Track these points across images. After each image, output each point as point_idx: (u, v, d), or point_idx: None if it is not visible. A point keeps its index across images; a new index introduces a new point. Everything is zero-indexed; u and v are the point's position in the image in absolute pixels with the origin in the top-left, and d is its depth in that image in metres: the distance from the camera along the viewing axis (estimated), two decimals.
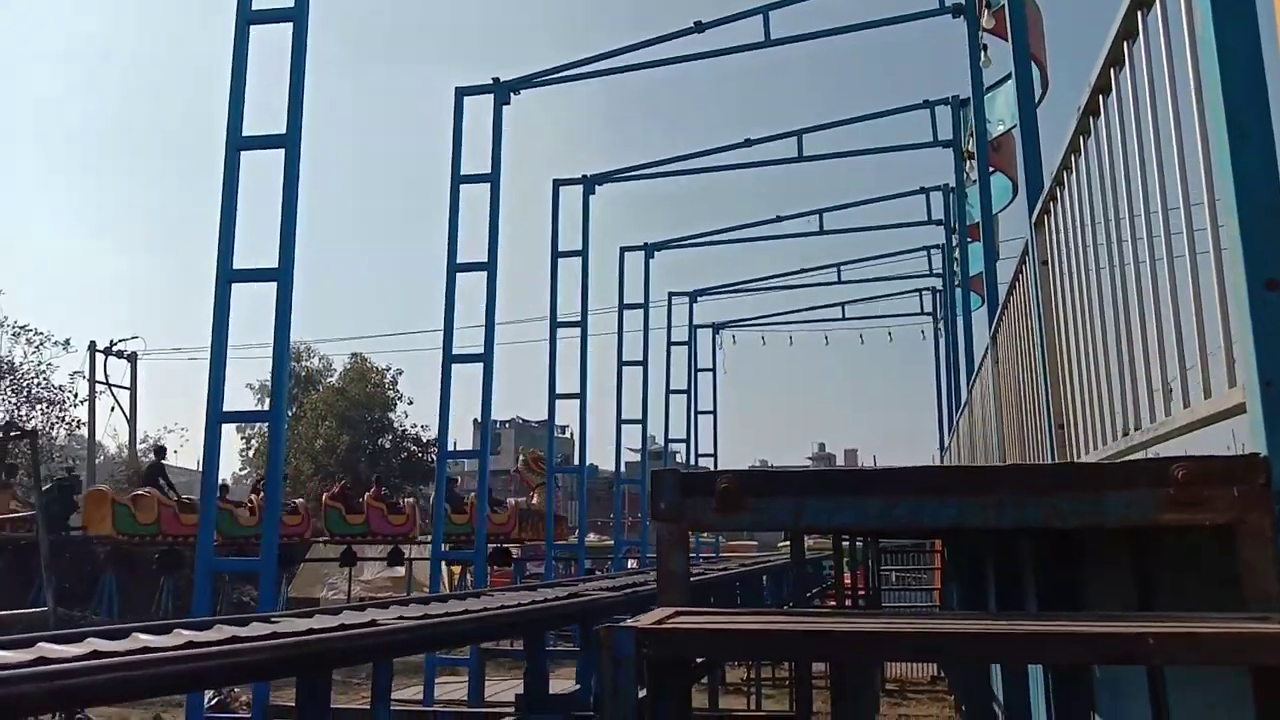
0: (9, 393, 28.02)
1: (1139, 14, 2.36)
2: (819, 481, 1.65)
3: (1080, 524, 1.61)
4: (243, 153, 6.33)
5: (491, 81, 10.01)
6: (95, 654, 1.86)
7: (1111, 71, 2.61)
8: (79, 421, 31.35)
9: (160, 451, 22.56)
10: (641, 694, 1.72)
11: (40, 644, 1.92)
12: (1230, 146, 1.80)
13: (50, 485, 20.82)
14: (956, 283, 12.95)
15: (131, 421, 34.90)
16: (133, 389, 34.74)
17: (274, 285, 6.04)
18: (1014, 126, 6.23)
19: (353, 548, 21.36)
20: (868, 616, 1.72)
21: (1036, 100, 6.85)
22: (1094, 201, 2.93)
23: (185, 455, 43.11)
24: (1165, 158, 2.24)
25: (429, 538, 19.61)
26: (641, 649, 1.48)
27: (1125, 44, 2.48)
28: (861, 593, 12.73)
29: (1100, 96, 2.76)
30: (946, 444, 14.34)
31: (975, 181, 9.09)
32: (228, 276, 6.11)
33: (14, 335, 28.36)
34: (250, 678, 2.54)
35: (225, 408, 6.15)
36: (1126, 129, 2.51)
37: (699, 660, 4.71)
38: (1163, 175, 2.27)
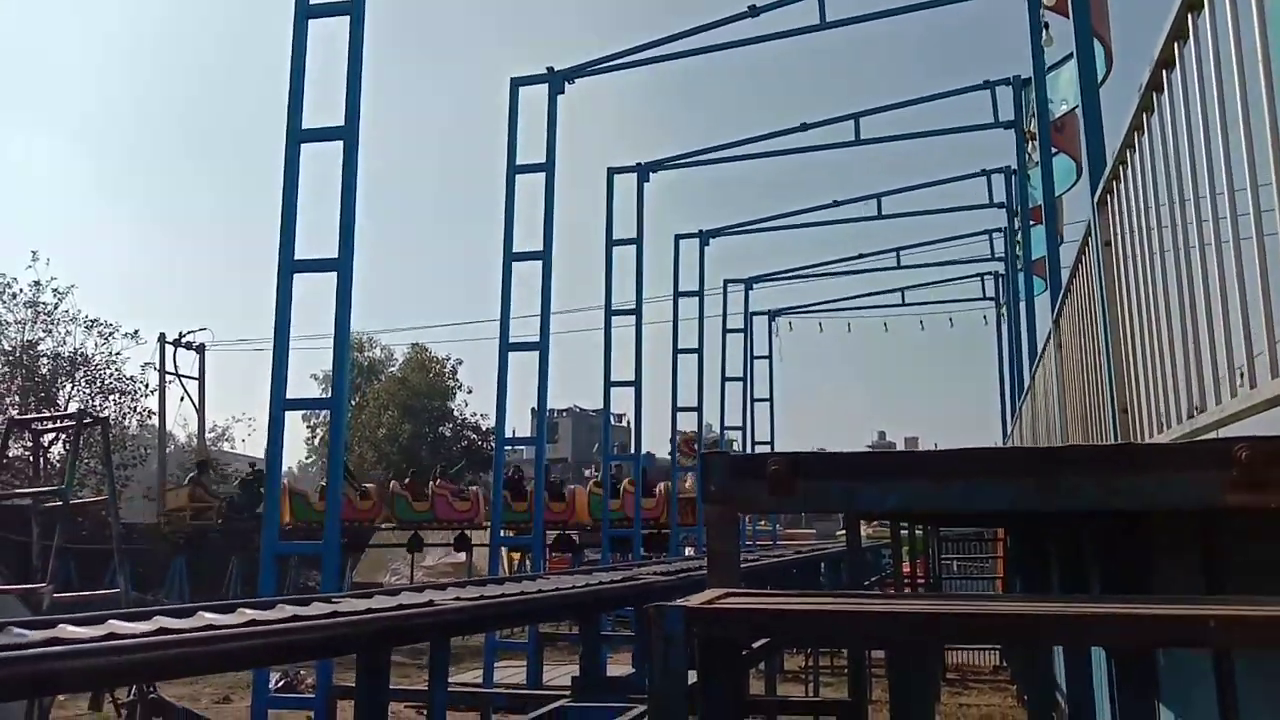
0: (83, 383, 28.90)
1: None
2: (870, 463, 1.64)
3: (1140, 506, 1.58)
4: (304, 145, 6.44)
5: (546, 71, 10.04)
6: (162, 631, 1.91)
7: (1175, 45, 2.54)
8: (150, 411, 32.22)
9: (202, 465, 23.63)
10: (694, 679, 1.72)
11: (111, 621, 1.99)
12: None
13: (240, 479, 22.09)
14: (1019, 267, 12.72)
15: (200, 411, 35.74)
16: (201, 379, 35.54)
17: (334, 275, 6.15)
18: (1076, 106, 6.09)
19: (419, 533, 21.84)
20: (919, 599, 1.71)
21: (1100, 79, 6.68)
22: (1158, 181, 2.86)
23: (253, 444, 44.13)
24: (1232, 133, 2.18)
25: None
26: (690, 628, 1.49)
27: (1190, 16, 2.42)
28: (922, 581, 12.63)
29: (1164, 71, 2.68)
30: (1009, 431, 14.11)
31: (1037, 163, 8.90)
32: (289, 267, 6.23)
33: (86, 328, 29.23)
34: (310, 655, 2.61)
35: (290, 396, 6.29)
36: (1191, 104, 2.44)
37: (754, 645, 4.71)
38: (1229, 152, 2.21)
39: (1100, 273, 3.79)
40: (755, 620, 1.54)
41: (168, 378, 34.23)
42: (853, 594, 2.29)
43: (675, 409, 15.19)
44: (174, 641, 1.82)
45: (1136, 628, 1.39)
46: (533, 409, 9.47)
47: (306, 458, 50.35)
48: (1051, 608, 1.43)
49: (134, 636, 1.79)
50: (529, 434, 22.29)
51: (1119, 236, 3.56)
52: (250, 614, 2.19)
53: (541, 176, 9.52)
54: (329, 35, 6.70)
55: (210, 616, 2.14)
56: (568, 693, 4.04)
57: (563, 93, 10.02)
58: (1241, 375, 2.19)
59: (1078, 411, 4.92)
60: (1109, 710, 3.55)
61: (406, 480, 22.72)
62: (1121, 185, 3.41)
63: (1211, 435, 2.44)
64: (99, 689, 8.91)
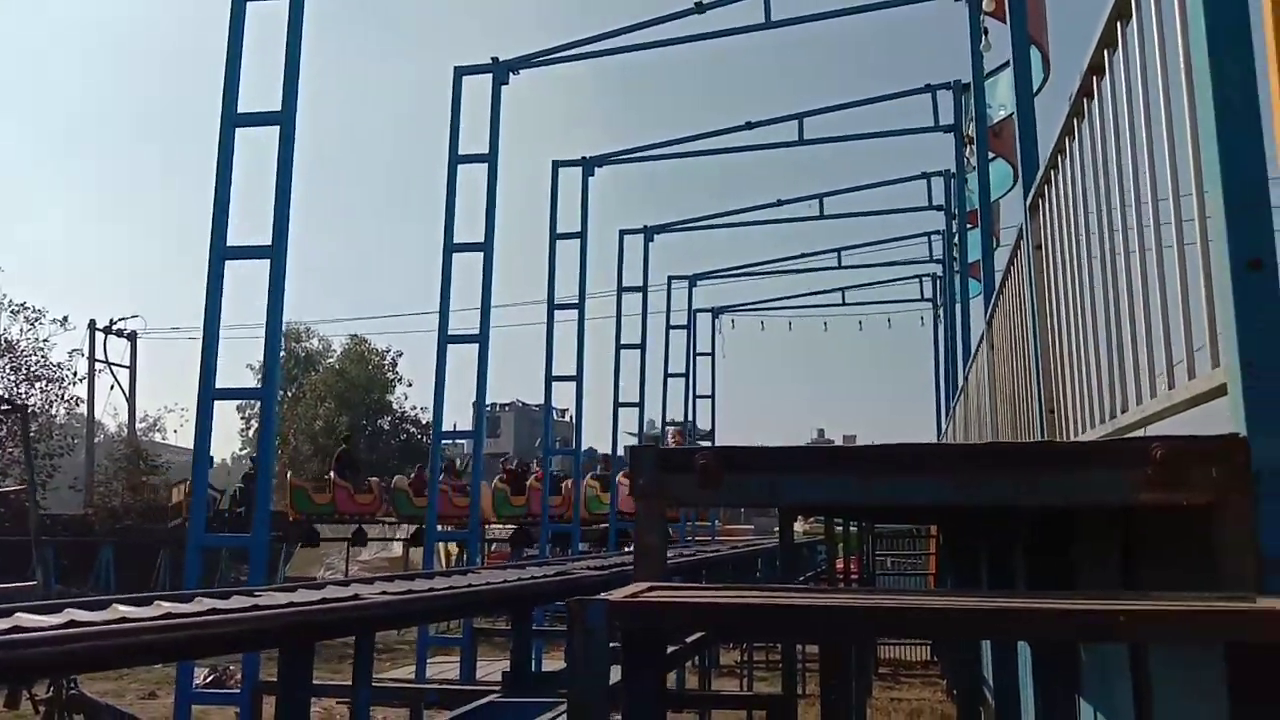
0: (7, 370, 28.03)
1: None
2: (796, 458, 1.64)
3: (1059, 503, 1.61)
4: (240, 130, 6.30)
5: (490, 61, 9.95)
6: (71, 624, 1.85)
7: (1105, 53, 2.59)
8: (78, 400, 31.39)
9: (347, 440, 23.20)
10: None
11: (18, 614, 1.92)
12: (1217, 127, 1.79)
13: (244, 473, 21.80)
14: (956, 269, 12.92)
15: (131, 400, 34.94)
16: (132, 368, 34.77)
17: (268, 263, 6.03)
18: (1014, 112, 6.20)
19: (364, 528, 21.73)
20: (845, 594, 1.72)
21: (1038, 85, 6.81)
22: (1086, 185, 2.91)
23: (185, 435, 43.18)
24: (1155, 140, 2.22)
25: (495, 520, 19.54)
26: (613, 622, 1.47)
27: (1119, 24, 2.46)
28: (855, 577, 12.80)
29: (1094, 78, 2.73)
30: (944, 430, 14.35)
31: (975, 167, 9.05)
32: (221, 254, 6.09)
33: (12, 313, 28.35)
34: (226, 649, 2.55)
35: (224, 386, 6.16)
36: (1119, 112, 2.49)
37: (687, 640, 4.72)
38: (1153, 158, 2.25)
39: (1031, 275, 3.86)
40: (678, 614, 1.54)
41: (98, 366, 33.40)
42: (781, 588, 2.30)
43: (617, 404, 15.19)
44: (82, 635, 1.76)
45: (1053, 623, 1.41)
46: (475, 403, 9.39)
47: (240, 449, 49.47)
48: (974, 603, 1.44)
49: (39, 630, 1.73)
50: (470, 428, 22.11)
51: (1049, 240, 3.62)
52: (166, 607, 2.13)
53: (485, 167, 9.44)
54: (271, 17, 6.56)
55: (124, 610, 2.08)
56: (499, 688, 4.01)
57: (507, 83, 9.93)
58: (1162, 377, 2.24)
59: (1008, 411, 5.01)
60: (1033, 702, 3.62)
61: (412, 476, 22.50)
62: (1053, 190, 3.48)
63: (1134, 435, 2.50)
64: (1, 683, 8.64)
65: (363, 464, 22.07)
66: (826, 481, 1.65)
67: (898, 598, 1.44)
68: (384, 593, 2.52)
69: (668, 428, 19.60)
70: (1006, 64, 8.02)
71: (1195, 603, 1.45)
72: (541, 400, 13.92)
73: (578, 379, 12.92)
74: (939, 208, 15.20)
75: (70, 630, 1.67)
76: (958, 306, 12.24)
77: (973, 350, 8.23)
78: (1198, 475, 1.65)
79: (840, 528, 10.65)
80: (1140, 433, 2.45)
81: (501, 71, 9.94)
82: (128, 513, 27.01)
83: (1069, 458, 1.62)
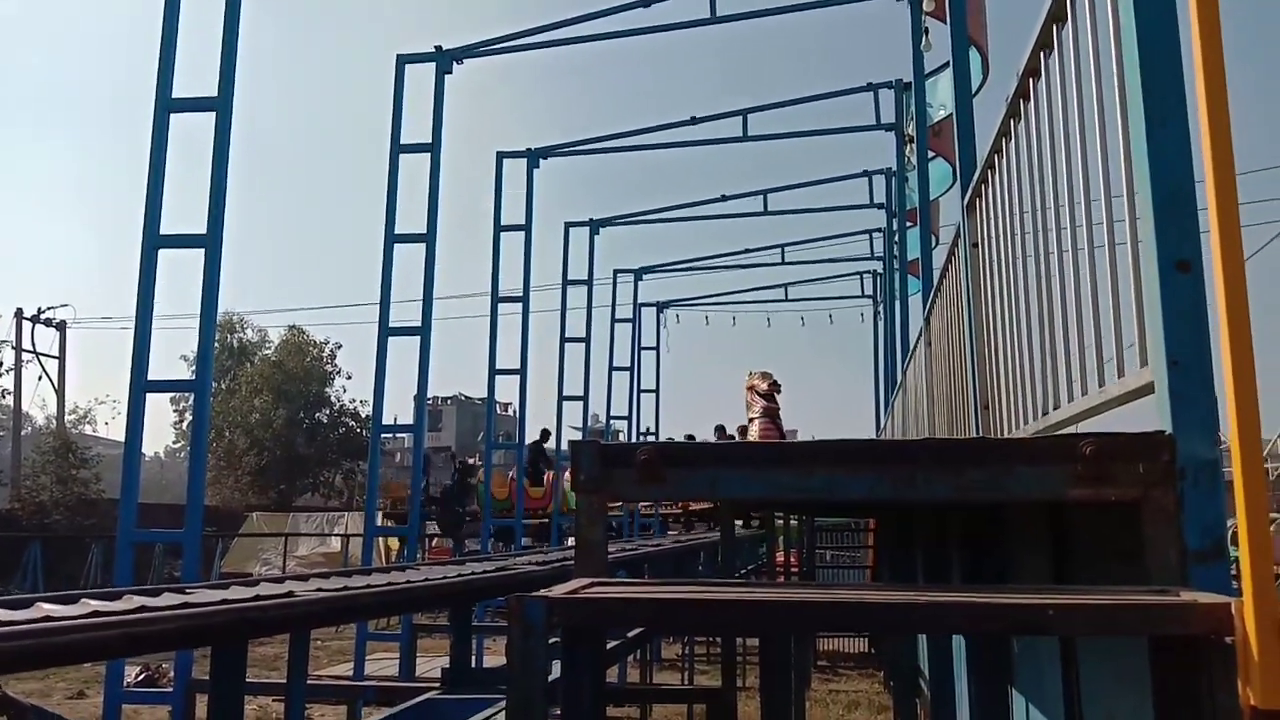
0: None
1: None
2: (735, 453, 1.65)
3: (990, 499, 1.64)
4: (175, 115, 6.15)
5: (433, 50, 9.84)
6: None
7: (1041, 55, 2.64)
8: (4, 391, 30.49)
9: (544, 434, 21.57)
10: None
11: None
12: (1147, 130, 1.83)
13: (455, 468, 20.97)
14: (895, 266, 13.10)
15: (60, 391, 34.02)
16: (61, 358, 33.85)
17: (202, 252, 5.90)
18: (954, 112, 6.29)
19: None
20: (780, 588, 1.73)
21: (978, 86, 6.92)
22: (1021, 186, 2.97)
23: (116, 427, 42.17)
24: (1088, 142, 2.27)
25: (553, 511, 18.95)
26: (552, 617, 1.47)
27: (1054, 27, 2.51)
28: (795, 570, 12.93)
29: (1030, 80, 2.78)
30: (882, 425, 14.55)
31: (915, 166, 9.17)
32: (154, 242, 5.95)
33: None
34: (157, 647, 2.49)
35: (157, 378, 6.02)
36: (1054, 114, 2.54)
37: (628, 635, 4.74)
38: (1085, 160, 2.30)
39: (967, 274, 3.92)
40: (617, 609, 1.54)
41: (25, 356, 32.44)
42: (721, 583, 2.31)
43: (561, 398, 15.14)
44: (4, 634, 1.70)
45: (984, 617, 1.44)
46: (416, 396, 9.29)
47: (175, 442, 48.44)
48: (908, 598, 1.46)
49: None
50: (411, 421, 21.80)
51: (985, 240, 3.68)
52: (94, 605, 2.07)
53: (428, 157, 9.33)
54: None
55: (49, 608, 2.02)
56: (439, 685, 3.98)
57: (450, 72, 9.83)
58: (1093, 375, 2.29)
59: (945, 407, 5.09)
60: (968, 692, 3.69)
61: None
62: (989, 190, 3.53)
63: (1065, 431, 2.55)
64: None
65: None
66: (765, 476, 1.66)
67: (834, 592, 1.46)
68: (320, 590, 2.48)
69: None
70: (947, 64, 8.15)
71: (1121, 596, 1.49)
72: (482, 393, 13.83)
73: (521, 372, 12.86)
74: (880, 205, 15.39)
75: None
76: (897, 303, 12.42)
77: (911, 347, 8.36)
78: (1125, 471, 1.69)
79: (781, 521, 10.75)
80: (1072, 429, 2.51)
81: (445, 60, 9.84)
82: (56, 507, 26.30)
83: (1000, 454, 1.65)
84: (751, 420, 12.25)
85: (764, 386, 12.32)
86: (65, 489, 26.86)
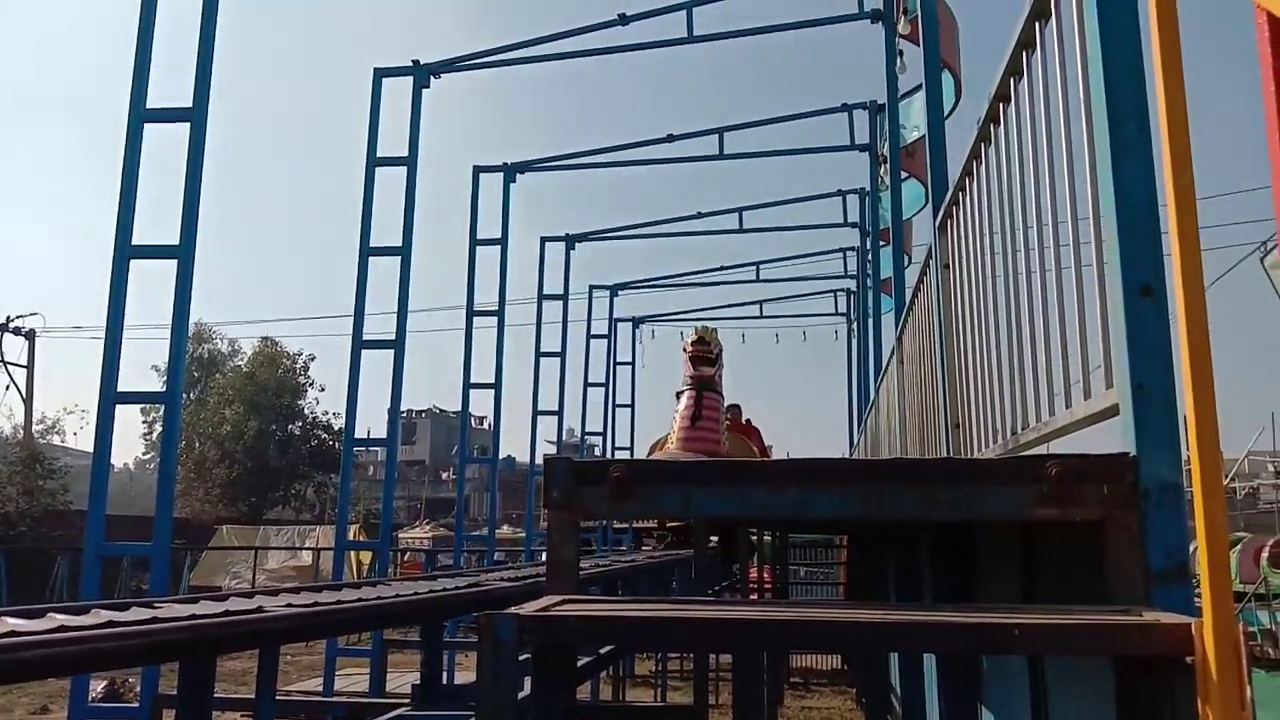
0: None
1: (1037, 25, 2.43)
2: (706, 471, 1.67)
3: (958, 517, 1.66)
4: (149, 125, 6.11)
5: (411, 64, 9.84)
6: None
7: (1011, 81, 2.69)
8: None
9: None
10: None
11: None
12: (1112, 157, 1.87)
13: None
14: (869, 285, 13.19)
15: (28, 401, 33.56)
16: (30, 367, 33.42)
17: (175, 263, 5.86)
18: (926, 134, 6.37)
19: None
20: (752, 606, 1.74)
21: (950, 108, 7.01)
22: (991, 208, 3.01)
23: (85, 438, 41.61)
24: (1056, 167, 2.31)
25: None
26: (523, 635, 1.47)
27: (1024, 54, 2.55)
28: (769, 586, 12.95)
29: (1001, 105, 2.83)
30: (855, 442, 14.61)
31: (889, 186, 9.26)
32: (126, 252, 5.89)
33: None
34: (126, 663, 2.46)
35: (127, 389, 5.96)
36: (1023, 138, 2.58)
37: (600, 651, 4.73)
38: (1053, 184, 2.34)
39: (939, 293, 3.97)
40: (589, 628, 1.54)
41: None
42: (693, 601, 2.32)
43: (536, 412, 15.09)
44: None
45: (953, 636, 1.45)
46: (389, 409, 9.23)
47: (144, 453, 47.87)
48: (877, 616, 1.48)
49: None
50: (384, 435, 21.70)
51: (956, 260, 3.73)
52: (61, 619, 2.05)
53: (405, 170, 9.32)
54: (185, 9, 6.39)
55: (14, 622, 2.00)
56: (409, 702, 3.95)
57: (428, 86, 9.82)
58: (1060, 396, 2.32)
59: (916, 425, 5.14)
60: (938, 709, 3.71)
61: None
62: (960, 212, 3.58)
63: (1034, 451, 2.59)
64: None
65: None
66: (736, 494, 1.68)
67: (806, 611, 1.47)
68: (289, 605, 2.46)
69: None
70: (920, 86, 8.25)
71: (1085, 616, 1.51)
72: (456, 406, 13.76)
73: (496, 386, 12.81)
74: (854, 225, 15.50)
75: None
76: (870, 321, 12.50)
77: (884, 365, 8.42)
78: (1090, 492, 1.72)
79: (754, 537, 10.77)
80: (1041, 449, 2.54)
81: (422, 75, 9.83)
82: (23, 518, 25.89)
83: (968, 474, 1.68)
84: (679, 396, 9.55)
85: (688, 348, 9.49)
86: (32, 500, 26.46)
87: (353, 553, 18.13)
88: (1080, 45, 2.08)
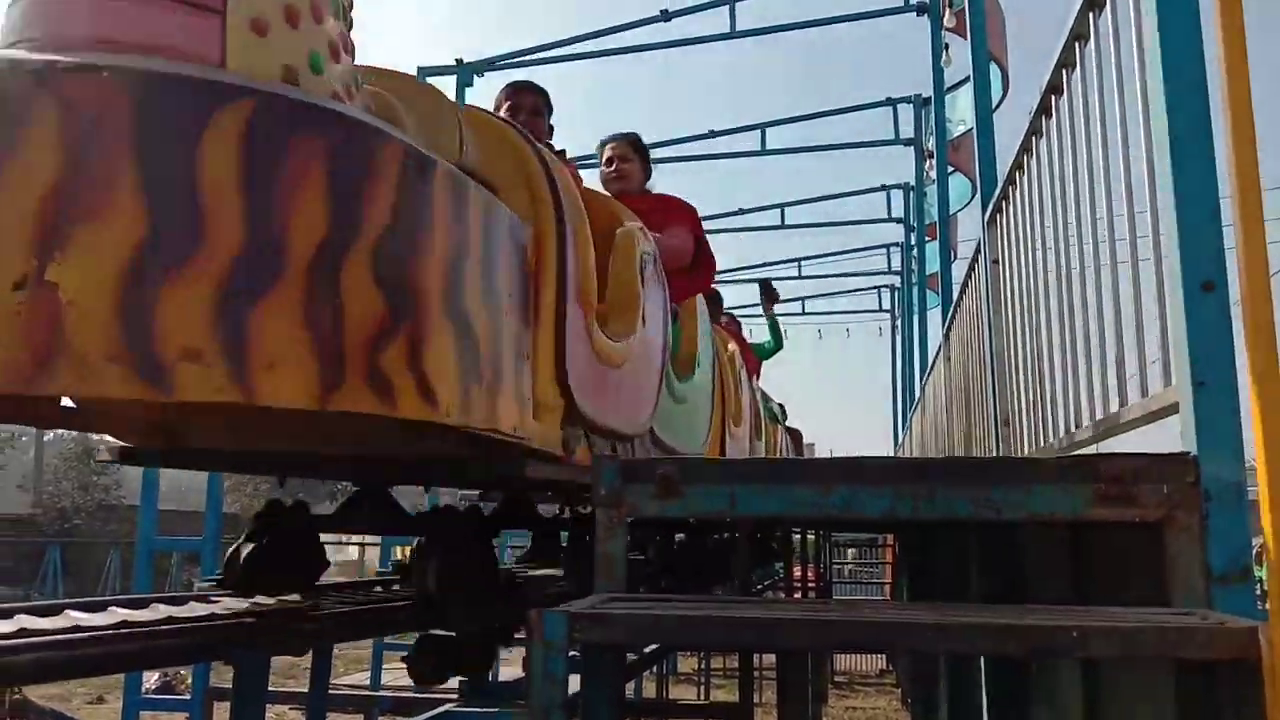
0: None
1: (1090, 15, 2.38)
2: (753, 470, 1.65)
3: (1011, 518, 1.63)
4: None
5: (454, 63, 9.91)
6: (23, 632, 1.81)
7: (1064, 72, 2.64)
8: None
9: None
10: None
11: None
12: (1170, 148, 1.82)
13: None
14: (914, 281, 13.07)
15: None
16: None
17: None
18: (974, 127, 6.29)
19: None
20: (801, 606, 1.73)
21: (997, 101, 6.92)
22: (1043, 203, 2.96)
23: None
24: (1111, 160, 2.27)
25: None
26: (572, 633, 1.47)
27: (1077, 45, 2.51)
28: (813, 585, 12.87)
29: (1053, 97, 2.78)
30: (900, 440, 14.49)
31: (935, 180, 9.16)
32: None
33: None
34: (186, 659, 2.51)
35: None
36: (1076, 131, 2.54)
37: (645, 649, 4.72)
38: (1109, 177, 2.30)
39: (988, 289, 3.91)
40: (639, 626, 1.54)
41: None
42: (741, 600, 2.31)
43: None
44: (34, 645, 1.72)
45: (1005, 639, 1.43)
46: None
47: None
48: (927, 617, 1.46)
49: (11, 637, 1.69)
50: None
51: (1006, 255, 3.68)
52: (122, 613, 2.09)
53: None
54: None
55: (78, 616, 2.04)
56: (456, 697, 3.98)
57: (471, 85, 9.90)
58: (1115, 393, 2.28)
59: (964, 423, 5.07)
60: (986, 712, 3.66)
61: None
62: (1010, 206, 3.53)
63: (1086, 450, 2.54)
64: None
65: None
66: (784, 493, 1.66)
67: (857, 611, 1.46)
68: (340, 602, 2.49)
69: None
70: (966, 79, 8.15)
71: (1144, 619, 1.48)
72: None
73: None
74: (898, 220, 15.37)
75: (23, 640, 1.63)
76: (915, 318, 12.38)
77: (930, 362, 8.33)
78: (1148, 492, 1.68)
79: (798, 536, 10.71)
80: (1093, 448, 2.50)
81: (466, 73, 9.90)
82: (78, 512, 26.51)
83: (1022, 473, 1.65)
84: None
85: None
86: (86, 495, 27.07)
87: (396, 546, 18.33)
88: (1136, 34, 2.04)
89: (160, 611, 2.11)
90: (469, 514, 2.69)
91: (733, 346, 5.31)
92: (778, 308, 9.06)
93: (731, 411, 5.01)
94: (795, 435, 11.45)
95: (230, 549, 2.62)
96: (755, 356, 7.60)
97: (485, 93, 10.10)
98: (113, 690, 11.64)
